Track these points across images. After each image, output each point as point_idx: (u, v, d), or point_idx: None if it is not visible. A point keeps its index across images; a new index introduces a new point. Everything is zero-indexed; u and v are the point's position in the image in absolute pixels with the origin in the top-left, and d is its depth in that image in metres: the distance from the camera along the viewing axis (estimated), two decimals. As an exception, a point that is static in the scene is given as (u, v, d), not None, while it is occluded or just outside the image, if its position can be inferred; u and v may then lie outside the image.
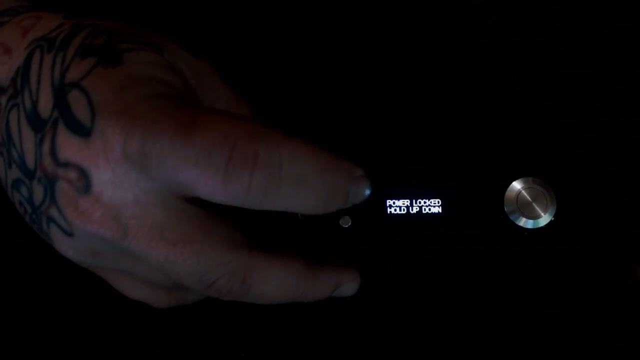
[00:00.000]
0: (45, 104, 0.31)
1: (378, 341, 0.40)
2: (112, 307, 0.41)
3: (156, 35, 0.34)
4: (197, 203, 0.31)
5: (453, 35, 0.40)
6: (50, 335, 0.41)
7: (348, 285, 0.35)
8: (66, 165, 0.30)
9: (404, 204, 0.35)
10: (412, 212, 0.35)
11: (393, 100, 0.41)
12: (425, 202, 0.35)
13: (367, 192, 0.32)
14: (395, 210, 0.35)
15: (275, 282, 0.32)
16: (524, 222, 0.35)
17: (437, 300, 0.40)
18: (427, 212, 0.35)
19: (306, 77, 0.41)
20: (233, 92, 0.35)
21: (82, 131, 0.30)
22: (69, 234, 0.32)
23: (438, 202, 0.35)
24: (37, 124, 0.31)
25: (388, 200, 0.35)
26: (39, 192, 0.32)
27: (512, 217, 0.35)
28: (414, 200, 0.35)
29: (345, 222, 0.35)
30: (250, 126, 0.29)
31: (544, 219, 0.35)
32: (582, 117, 0.39)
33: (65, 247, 0.32)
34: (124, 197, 0.30)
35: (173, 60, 0.33)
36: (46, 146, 0.31)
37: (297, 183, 0.29)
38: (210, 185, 0.29)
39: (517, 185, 0.35)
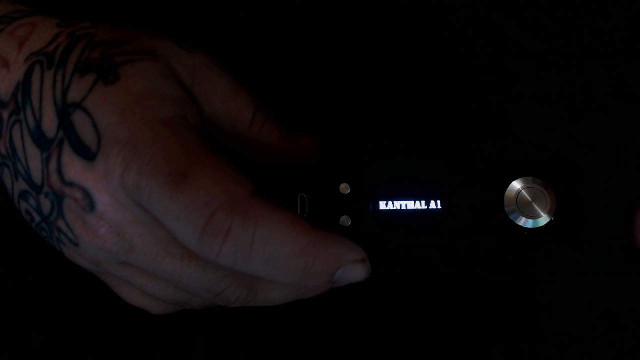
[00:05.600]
0: (50, 124, 0.32)
1: (378, 340, 0.40)
2: (112, 308, 0.41)
3: (150, 36, 0.34)
4: None
5: (453, 33, 0.40)
6: (49, 335, 0.41)
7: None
8: (72, 185, 0.31)
9: (404, 203, 0.35)
10: (412, 211, 0.35)
11: (393, 98, 0.41)
12: (425, 202, 0.35)
13: (363, 277, 0.32)
14: (395, 209, 0.35)
15: (280, 286, 0.33)
16: (524, 222, 0.35)
17: (437, 300, 0.40)
18: (428, 212, 0.35)
19: (308, 71, 0.41)
20: (232, 85, 0.35)
21: (88, 155, 0.31)
22: (76, 244, 0.33)
23: (438, 202, 0.35)
24: (43, 143, 0.32)
25: (388, 200, 0.35)
26: (46, 205, 0.33)
27: (512, 217, 0.35)
28: (414, 200, 0.35)
29: (346, 222, 0.35)
30: (236, 194, 0.29)
31: (544, 219, 0.35)
32: (582, 116, 0.39)
33: (73, 253, 0.34)
34: (127, 217, 0.31)
35: (167, 63, 0.33)
36: (53, 165, 0.32)
37: (267, 262, 0.29)
38: (187, 241, 0.30)
39: (517, 185, 0.35)
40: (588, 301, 0.39)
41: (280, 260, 0.30)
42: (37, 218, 0.34)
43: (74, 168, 0.31)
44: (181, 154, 0.30)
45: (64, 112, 0.32)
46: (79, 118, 0.31)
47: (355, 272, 0.31)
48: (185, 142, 0.30)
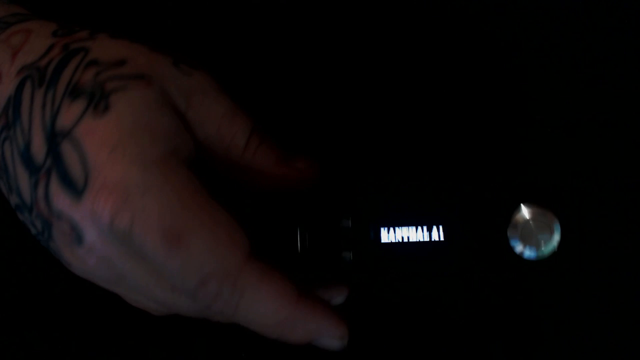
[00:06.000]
0: (38, 149, 0.32)
1: (378, 341, 0.40)
2: (112, 307, 0.41)
3: (147, 55, 0.33)
4: None
5: (458, 47, 0.39)
6: (50, 334, 0.42)
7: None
8: (59, 215, 0.31)
9: (405, 234, 0.35)
10: (414, 242, 0.35)
11: (393, 122, 0.40)
12: (427, 230, 0.35)
13: (336, 349, 0.34)
14: (396, 241, 0.35)
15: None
16: (527, 252, 0.35)
17: (440, 326, 0.40)
18: (430, 243, 0.35)
19: (306, 93, 0.40)
20: (227, 110, 0.35)
21: (75, 189, 0.31)
22: (68, 265, 0.33)
23: (440, 232, 0.35)
24: (31, 166, 0.32)
25: (389, 231, 0.35)
26: (38, 224, 0.33)
27: (514, 244, 0.35)
28: (416, 230, 0.35)
29: (347, 255, 0.35)
30: (228, 262, 0.31)
31: (548, 248, 0.35)
32: (590, 143, 0.38)
33: (68, 267, 0.34)
34: (115, 253, 0.31)
35: (162, 87, 0.33)
36: (41, 192, 0.32)
37: (249, 323, 0.32)
38: (180, 288, 0.32)
39: (521, 214, 0.35)
40: (592, 327, 0.39)
41: (258, 325, 0.32)
42: (33, 230, 0.34)
43: (62, 200, 0.31)
44: (175, 208, 0.30)
45: (52, 140, 0.31)
46: (67, 149, 0.31)
47: (330, 343, 0.34)
48: (179, 191, 0.31)
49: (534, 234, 0.35)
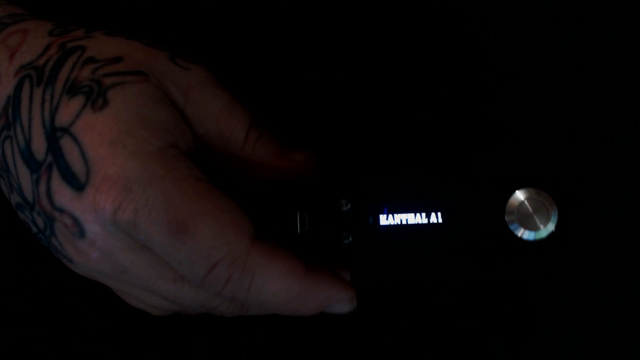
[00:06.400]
0: (39, 146, 0.32)
1: (377, 340, 0.40)
2: (112, 308, 0.41)
3: (143, 50, 0.34)
4: None
5: (454, 43, 0.40)
6: (50, 335, 0.41)
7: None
8: (61, 210, 0.32)
9: (404, 218, 0.35)
10: (412, 225, 0.35)
11: (392, 110, 0.40)
12: (426, 215, 0.35)
13: (347, 311, 0.34)
14: (395, 224, 0.35)
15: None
16: (525, 234, 0.35)
17: (438, 311, 0.40)
18: (428, 226, 0.35)
19: (305, 82, 0.41)
20: (225, 104, 0.35)
21: (76, 184, 0.31)
22: (70, 261, 0.33)
23: (439, 215, 0.35)
24: (32, 164, 0.32)
25: (388, 215, 0.35)
26: (40, 221, 0.33)
27: (512, 228, 0.35)
28: (414, 214, 0.35)
29: (346, 238, 0.35)
30: (236, 246, 0.31)
31: (545, 231, 0.35)
32: (586, 129, 0.39)
33: (69, 265, 0.34)
34: (117, 245, 0.32)
35: (159, 83, 0.33)
36: (42, 188, 0.32)
37: (261, 304, 0.32)
38: (189, 277, 0.32)
39: (518, 196, 0.35)
40: (589, 312, 0.39)
41: (272, 304, 0.32)
42: (34, 229, 0.34)
43: (63, 195, 0.31)
44: (178, 199, 0.30)
45: (52, 136, 0.31)
46: (67, 144, 0.31)
47: (341, 308, 0.34)
48: (180, 183, 0.31)
49: (531, 215, 0.35)
